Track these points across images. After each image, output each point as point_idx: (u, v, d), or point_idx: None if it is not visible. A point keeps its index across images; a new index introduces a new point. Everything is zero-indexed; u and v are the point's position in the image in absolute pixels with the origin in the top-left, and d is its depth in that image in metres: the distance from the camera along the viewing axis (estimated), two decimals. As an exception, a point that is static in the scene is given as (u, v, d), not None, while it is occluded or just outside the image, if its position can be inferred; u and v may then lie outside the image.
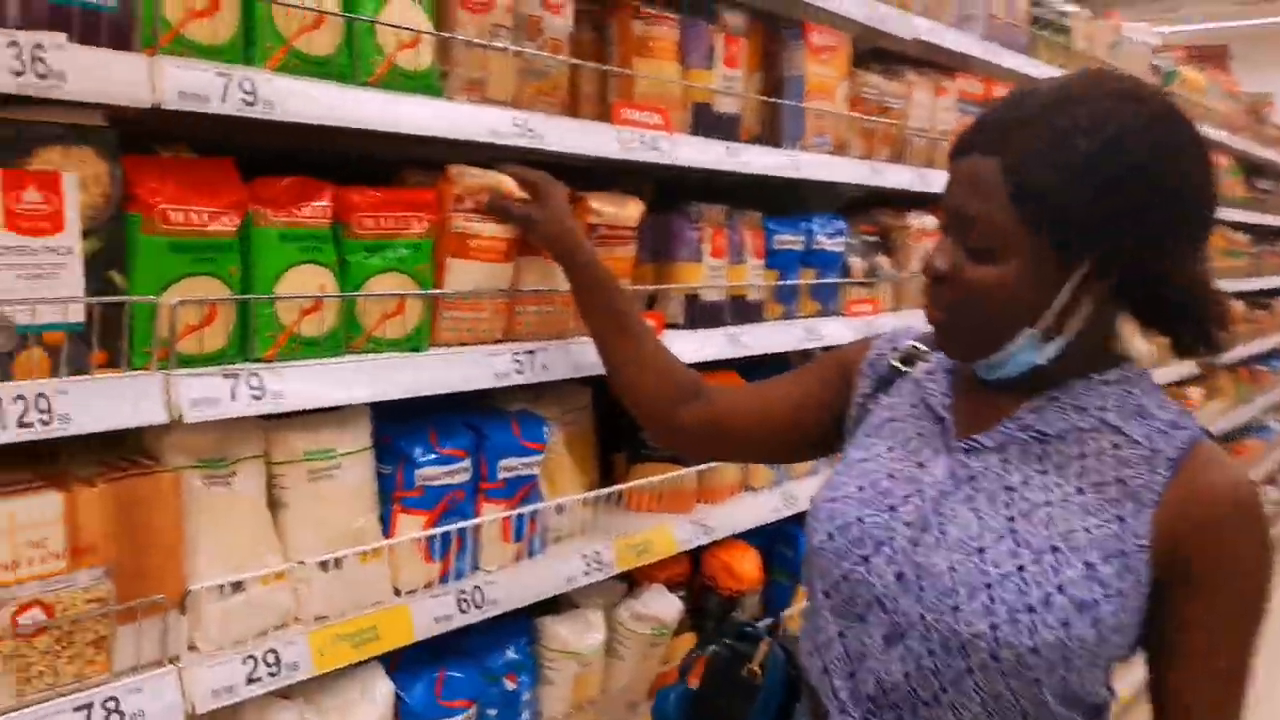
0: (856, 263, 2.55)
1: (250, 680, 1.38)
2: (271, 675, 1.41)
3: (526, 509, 1.74)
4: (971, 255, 1.14)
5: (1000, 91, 3.10)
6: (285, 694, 1.50)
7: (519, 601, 1.73)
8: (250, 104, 1.31)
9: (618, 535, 1.92)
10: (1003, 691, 1.11)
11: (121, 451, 1.37)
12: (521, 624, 1.83)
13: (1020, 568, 1.11)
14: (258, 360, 1.39)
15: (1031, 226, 1.10)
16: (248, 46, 1.35)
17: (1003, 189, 1.10)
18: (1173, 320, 1.22)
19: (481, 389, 1.65)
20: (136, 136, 1.33)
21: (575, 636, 1.85)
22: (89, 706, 1.22)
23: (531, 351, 1.71)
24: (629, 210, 1.88)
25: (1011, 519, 1.15)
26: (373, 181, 1.58)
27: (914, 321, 1.49)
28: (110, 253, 1.26)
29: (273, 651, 1.41)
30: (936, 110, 2.80)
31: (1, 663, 1.16)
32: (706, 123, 2.05)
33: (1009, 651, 1.09)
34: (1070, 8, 3.44)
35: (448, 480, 1.61)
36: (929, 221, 2.77)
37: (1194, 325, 1.21)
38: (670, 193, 2.20)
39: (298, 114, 1.36)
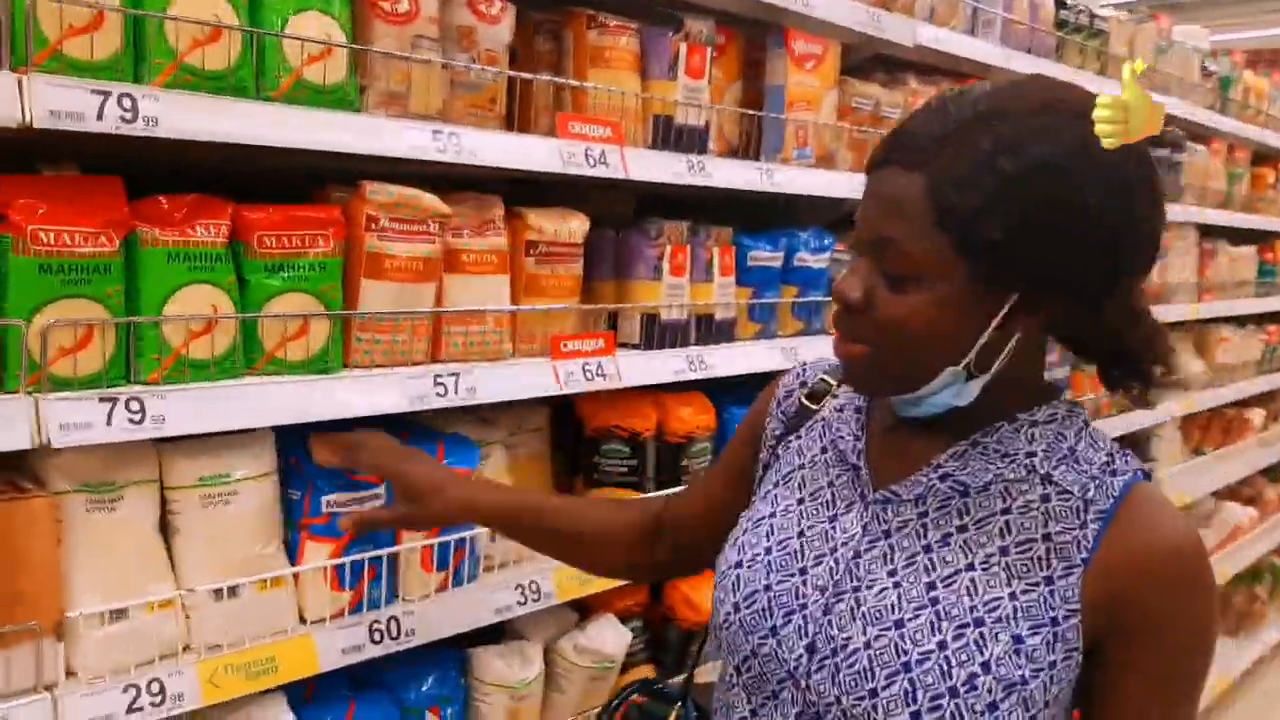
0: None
1: (131, 710, 1.35)
2: (155, 705, 1.37)
3: (450, 537, 1.68)
4: (889, 283, 1.01)
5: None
6: (180, 724, 1.47)
7: (440, 633, 1.67)
8: (129, 121, 1.28)
9: (559, 564, 1.85)
10: None
11: (6, 473, 1.35)
12: (450, 655, 1.77)
13: (941, 644, 1.00)
14: (141, 383, 1.35)
15: (957, 253, 0.97)
16: (137, 63, 1.32)
17: (927, 210, 0.97)
18: (1106, 354, 1.11)
19: (411, 412, 1.60)
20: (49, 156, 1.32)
21: (509, 669, 1.79)
22: (-56, 737, 1.21)
23: (456, 374, 1.65)
24: (571, 225, 1.81)
25: (931, 585, 1.03)
26: (298, 197, 1.55)
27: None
28: (-24, 274, 1.24)
29: (157, 680, 1.37)
30: (944, 119, 2.66)
31: None
32: (667, 136, 1.97)
33: None
34: (1107, 11, 3.25)
35: (357, 507, 1.56)
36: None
37: (1130, 360, 1.10)
38: (652, 207, 2.13)
39: (184, 131, 1.33)
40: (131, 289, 1.35)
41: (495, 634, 1.88)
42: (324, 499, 1.54)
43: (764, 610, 1.10)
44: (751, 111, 2.17)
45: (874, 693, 1.00)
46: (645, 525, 1.42)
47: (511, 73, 1.72)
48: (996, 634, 0.99)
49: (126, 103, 1.27)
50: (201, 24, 1.35)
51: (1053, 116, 0.98)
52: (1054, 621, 1.00)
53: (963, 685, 0.98)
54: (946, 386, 1.04)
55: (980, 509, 1.05)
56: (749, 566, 1.14)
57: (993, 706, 0.97)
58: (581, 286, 1.90)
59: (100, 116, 1.25)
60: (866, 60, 2.59)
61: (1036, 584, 1.01)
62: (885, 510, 1.09)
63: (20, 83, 1.20)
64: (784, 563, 1.12)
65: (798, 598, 1.09)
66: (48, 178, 1.31)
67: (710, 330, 2.10)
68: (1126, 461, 1.07)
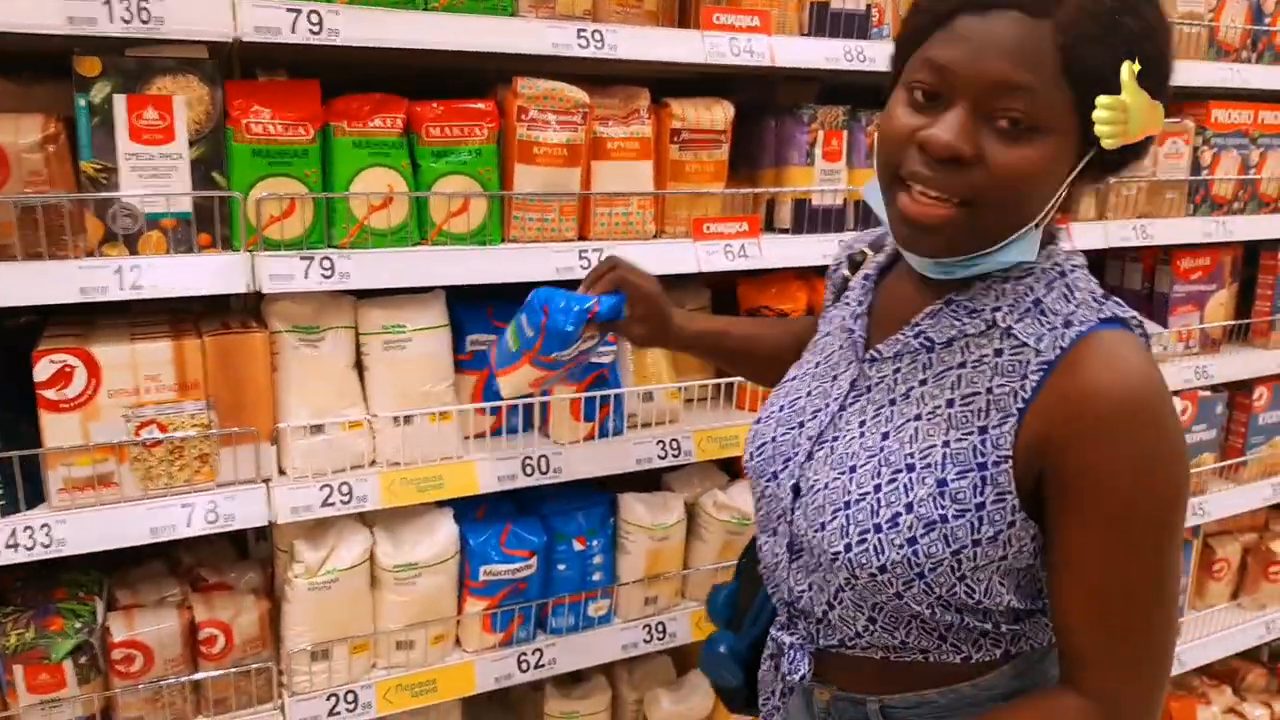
0: (1036, 168, 2.34)
1: (325, 504, 1.73)
2: (344, 503, 1.74)
3: (596, 394, 1.92)
4: (1005, 134, 0.98)
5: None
6: (369, 522, 1.85)
7: (584, 473, 1.93)
8: (316, 33, 1.58)
9: (702, 426, 2.04)
10: (880, 602, 1.13)
11: (243, 316, 1.75)
12: (602, 497, 2.03)
13: (877, 487, 1.10)
14: (334, 247, 1.69)
15: (1076, 109, 0.98)
16: (324, -16, 1.62)
17: (1055, 61, 0.96)
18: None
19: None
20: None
21: (650, 514, 2.02)
22: (192, 505, 1.63)
23: (599, 249, 1.86)
24: (715, 114, 1.94)
25: (885, 435, 1.13)
26: (480, 94, 1.81)
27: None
28: (213, 158, 1.61)
29: (346, 484, 1.74)
30: (1175, -9, 2.45)
31: (130, 465, 1.59)
32: (823, 22, 2.02)
33: (861, 570, 1.10)
34: None
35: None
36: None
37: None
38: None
39: (362, 39, 1.62)
40: (327, 171, 1.68)
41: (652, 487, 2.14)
42: (468, 337, 1.87)
43: (769, 458, 1.25)
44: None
45: (822, 526, 1.14)
46: (798, 344, 1.48)
47: (656, -30, 1.86)
48: (923, 478, 1.07)
49: (314, 17, 1.58)
50: (374, -53, 1.62)
51: None
52: (982, 466, 1.05)
53: (886, 522, 1.08)
54: (1022, 244, 1.05)
55: (940, 363, 1.11)
56: (764, 421, 1.30)
57: (911, 540, 1.07)
58: (734, 173, 2.03)
59: (294, 30, 1.57)
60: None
61: (971, 433, 1.06)
62: (870, 368, 1.18)
63: (231, 5, 1.53)
64: (789, 417, 1.25)
65: (793, 447, 1.22)
66: (262, 82, 1.66)
67: (872, 215, 2.15)
68: (1095, 311, 1.06)
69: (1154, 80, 0.99)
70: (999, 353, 1.08)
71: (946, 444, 1.08)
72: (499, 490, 1.86)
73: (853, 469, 1.14)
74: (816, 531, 1.15)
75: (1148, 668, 1.03)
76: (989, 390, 1.07)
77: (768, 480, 1.25)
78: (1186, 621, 2.92)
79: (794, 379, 1.32)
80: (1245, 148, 2.65)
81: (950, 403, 1.10)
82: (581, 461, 1.93)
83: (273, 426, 1.71)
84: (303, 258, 1.64)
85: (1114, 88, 0.97)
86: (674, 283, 2.16)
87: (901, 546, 1.07)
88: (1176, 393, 2.63)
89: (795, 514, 1.19)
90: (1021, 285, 1.09)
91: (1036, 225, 1.05)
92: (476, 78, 1.89)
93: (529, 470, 1.89)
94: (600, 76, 1.94)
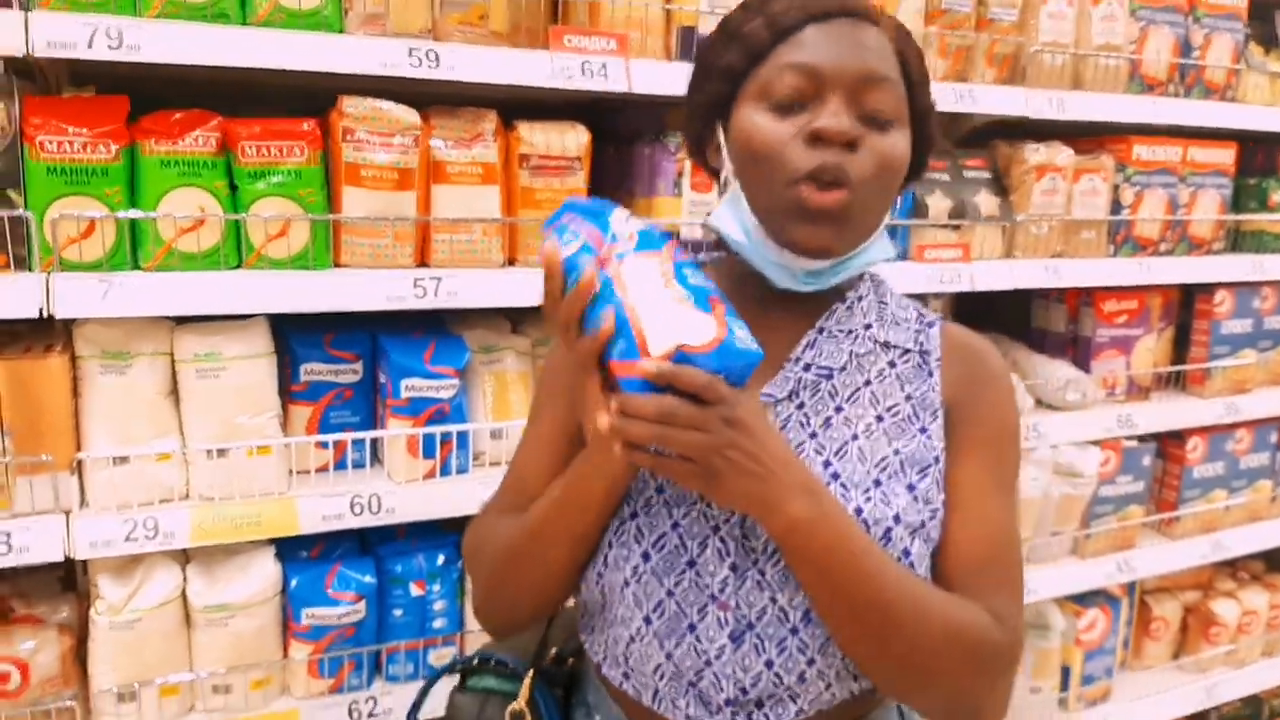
0: (936, 201, 2.24)
1: (128, 539, 1.64)
2: (149, 538, 1.66)
3: (437, 429, 1.82)
4: (874, 123, 1.04)
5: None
6: (188, 558, 1.76)
7: (421, 514, 1.83)
8: (115, 48, 1.52)
9: (557, 467, 1.94)
10: None
11: (49, 339, 1.68)
12: (448, 537, 1.93)
13: (858, 510, 1.05)
14: (138, 269, 1.62)
15: (909, 105, 1.09)
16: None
17: (894, 60, 1.07)
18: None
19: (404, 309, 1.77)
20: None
21: (498, 557, 1.92)
22: (-23, 534, 1.56)
23: (438, 278, 1.78)
24: (567, 140, 1.86)
25: (827, 463, 1.08)
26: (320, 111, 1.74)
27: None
28: (8, 175, 1.55)
29: (152, 519, 1.66)
30: (1091, 21, 2.34)
31: (-94, 490, 1.52)
32: (692, 47, 1.93)
33: None
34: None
35: (333, 379, 1.77)
36: (1060, 156, 2.34)
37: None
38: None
39: (166, 56, 1.55)
40: (135, 190, 1.61)
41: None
42: (303, 367, 1.79)
43: (675, 548, 1.08)
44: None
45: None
46: None
47: (502, -11, 1.78)
48: (894, 489, 1.08)
49: (113, 32, 1.51)
50: (185, -40, 1.55)
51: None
52: (935, 461, 1.10)
53: (881, 540, 1.05)
54: (879, 240, 1.12)
55: (846, 386, 1.12)
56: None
57: (906, 552, 1.05)
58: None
59: (91, 45, 1.51)
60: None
61: (914, 435, 1.11)
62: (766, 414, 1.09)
63: (22, 19, 1.47)
64: (683, 495, 1.08)
65: (708, 522, 1.07)
66: (65, 98, 1.60)
67: (747, 249, 2.05)
68: (924, 308, 1.21)
69: (930, 96, 1.13)
70: (892, 364, 1.14)
71: (897, 452, 1.09)
72: (324, 530, 1.77)
73: None
74: (797, 589, 1.04)
75: (1020, 586, 1.12)
76: (908, 397, 1.13)
77: (678, 575, 1.07)
78: (1119, 681, 2.76)
79: (625, 519, 1.09)
80: (1172, 186, 2.52)
81: (879, 417, 1.11)
82: (418, 501, 1.83)
83: (73, 456, 1.63)
84: (100, 280, 1.57)
85: (926, 94, 1.11)
86: (526, 315, 2.09)
87: (898, 560, 1.05)
88: (1096, 443, 2.49)
89: (742, 591, 1.05)
90: (867, 301, 1.17)
91: (885, 224, 1.12)
92: (324, 97, 1.82)
93: (358, 509, 1.79)
94: (480, 99, 1.87)
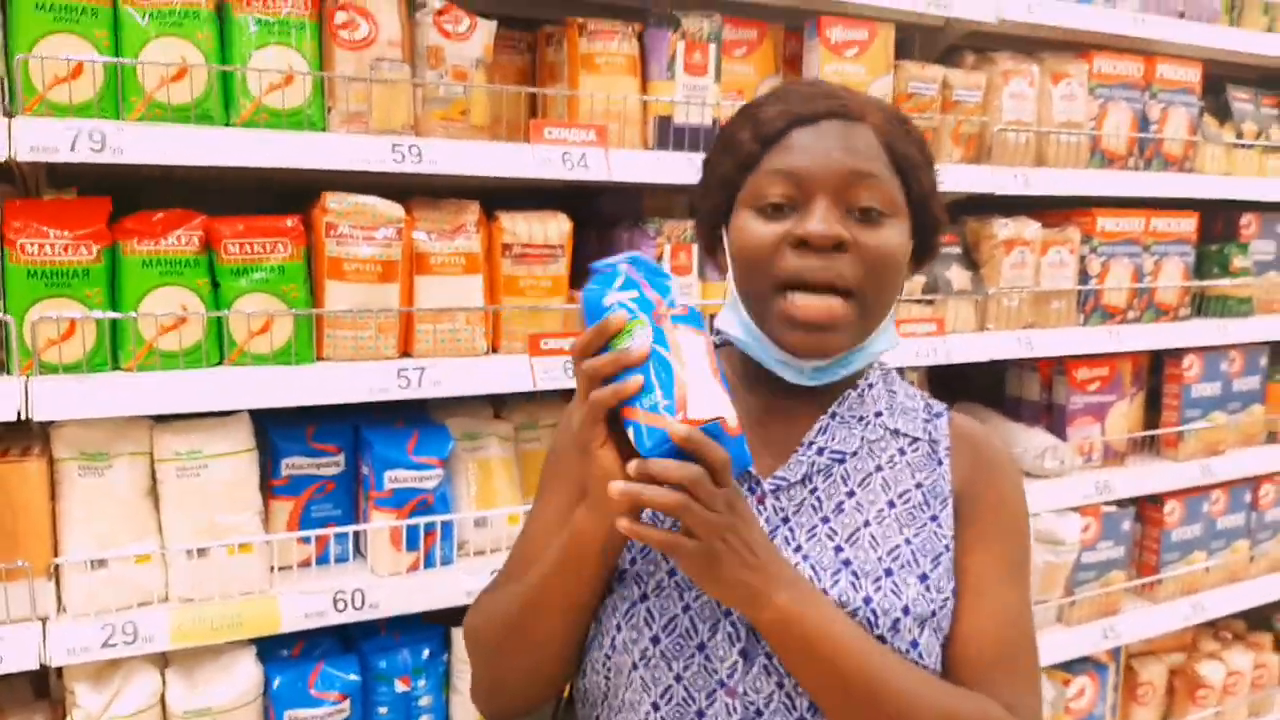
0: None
1: (106, 645, 1.60)
2: (128, 643, 1.62)
3: (420, 520, 1.81)
4: (866, 220, 1.06)
5: (1175, 69, 2.61)
6: (167, 661, 1.72)
7: (405, 608, 1.81)
8: (98, 151, 1.53)
9: (543, 554, 1.92)
10: None
11: (26, 441, 1.66)
12: (432, 631, 1.90)
13: (867, 599, 1.06)
14: (119, 369, 1.60)
15: (904, 194, 1.10)
16: (115, 102, 1.57)
17: (883, 154, 1.09)
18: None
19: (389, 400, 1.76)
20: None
21: (485, 648, 1.89)
22: (-53, 647, 1.51)
23: (422, 368, 1.77)
24: (549, 228, 1.88)
25: (839, 548, 1.09)
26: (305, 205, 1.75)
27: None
28: (-13, 278, 1.54)
29: (131, 623, 1.62)
30: (1052, 100, 2.41)
31: (-124, 603, 1.47)
32: (665, 137, 1.97)
33: None
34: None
35: (314, 472, 1.75)
36: (1028, 230, 2.40)
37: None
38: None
39: (150, 157, 1.56)
40: (116, 291, 1.61)
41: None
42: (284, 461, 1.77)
43: (687, 631, 1.08)
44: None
45: None
46: None
47: (481, 85, 1.81)
48: (906, 579, 1.08)
49: (96, 136, 1.52)
50: (170, 65, 1.57)
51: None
52: (946, 549, 1.11)
53: (889, 630, 1.05)
54: (884, 334, 1.13)
55: (858, 472, 1.14)
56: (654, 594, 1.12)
57: (914, 644, 1.06)
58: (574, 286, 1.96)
59: (74, 148, 1.51)
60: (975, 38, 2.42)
61: (925, 524, 1.12)
62: (779, 498, 1.11)
63: (6, 125, 1.47)
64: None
65: (717, 609, 1.07)
66: (47, 201, 1.60)
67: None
68: (932, 399, 1.23)
69: (935, 176, 1.15)
70: (902, 451, 1.16)
71: (909, 541, 1.10)
72: (307, 628, 1.73)
73: (823, 592, 1.05)
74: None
75: (1037, 677, 1.14)
76: (918, 485, 1.14)
77: (687, 659, 1.07)
78: (1110, 751, 2.74)
79: (636, 601, 1.10)
80: (1137, 255, 2.58)
81: (891, 503, 1.12)
82: (402, 595, 1.80)
83: (50, 560, 1.59)
84: (79, 381, 1.55)
85: (927, 178, 1.12)
86: (507, 401, 2.09)
87: (906, 650, 1.05)
88: (1076, 509, 2.51)
89: (749, 677, 1.05)
90: (877, 389, 1.18)
91: (892, 314, 1.14)
92: (307, 190, 1.83)
93: (340, 605, 1.76)
94: (462, 188, 1.89)
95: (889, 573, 1.08)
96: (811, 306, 1.04)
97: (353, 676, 1.79)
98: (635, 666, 1.08)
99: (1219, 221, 2.86)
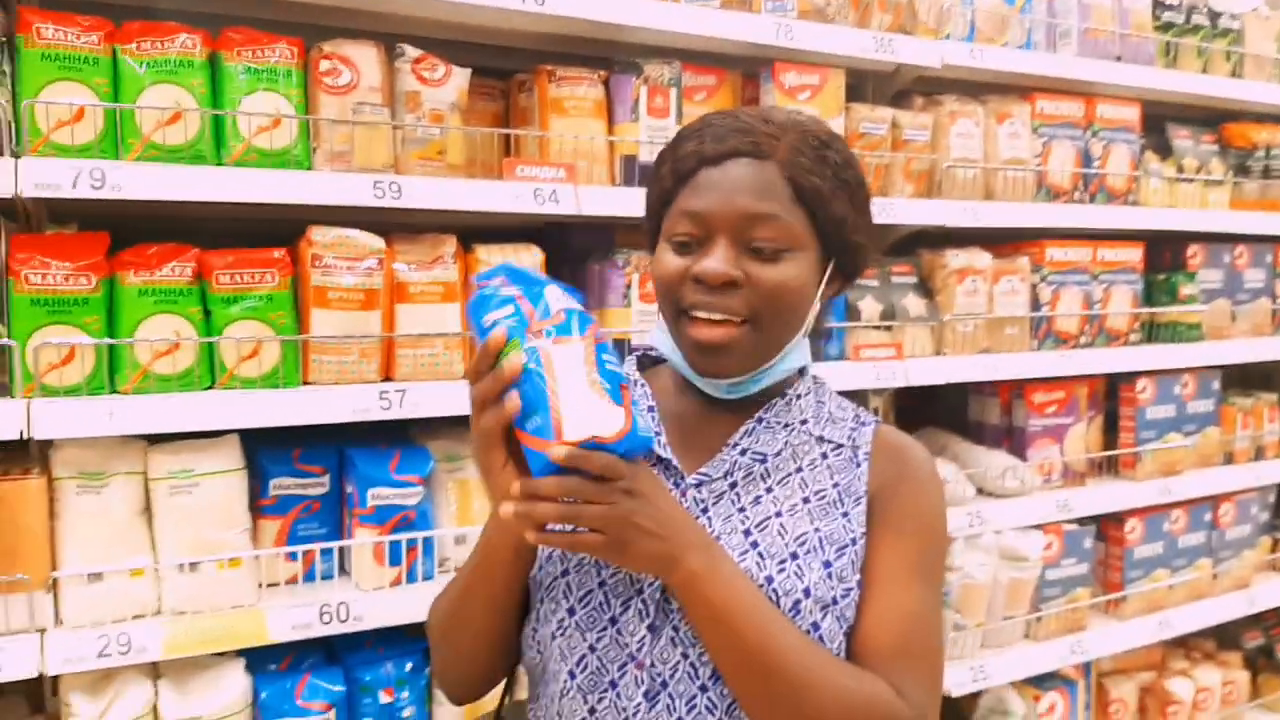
0: (868, 305, 2.41)
1: (101, 655, 1.68)
2: (122, 654, 1.69)
3: (403, 536, 1.89)
4: (762, 257, 1.13)
5: (1115, 108, 2.77)
6: (156, 673, 1.79)
7: (388, 621, 1.89)
8: (98, 188, 1.65)
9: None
10: None
11: (25, 462, 1.75)
12: (416, 644, 1.98)
13: (769, 579, 1.13)
14: (116, 393, 1.71)
15: (811, 225, 1.16)
16: (114, 143, 1.69)
17: (786, 190, 1.14)
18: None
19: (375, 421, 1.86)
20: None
21: (465, 661, 1.96)
22: (-50, 656, 1.59)
23: (403, 391, 1.88)
24: (523, 259, 2.00)
25: (748, 532, 1.16)
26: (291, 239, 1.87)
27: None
28: (-5, 307, 1.65)
29: (125, 635, 1.70)
30: (998, 139, 2.57)
31: (-117, 614, 1.55)
32: (631, 174, 2.11)
33: None
34: (1233, 7, 2.95)
35: (301, 493, 1.84)
36: (979, 260, 2.53)
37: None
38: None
39: (147, 194, 1.68)
40: (113, 319, 1.72)
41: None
42: (272, 482, 1.86)
43: (600, 605, 1.16)
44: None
45: None
46: None
47: (457, 127, 1.95)
48: (810, 563, 1.14)
49: (96, 174, 1.65)
50: (165, 109, 1.70)
51: (820, 123, 1.22)
52: (853, 542, 1.17)
53: (790, 610, 1.11)
54: (796, 352, 1.21)
55: (778, 471, 1.21)
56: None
57: (815, 626, 1.12)
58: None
59: (75, 186, 1.63)
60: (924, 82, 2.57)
61: (836, 518, 1.19)
62: (700, 490, 1.20)
63: (13, 165, 1.60)
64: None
65: (631, 586, 1.16)
66: (48, 235, 1.71)
67: (694, 355, 2.18)
68: (864, 412, 1.29)
69: (863, 196, 1.21)
70: (825, 456, 1.23)
71: (817, 529, 1.17)
72: (294, 640, 1.81)
73: None
74: (704, 650, 1.11)
75: (936, 674, 1.18)
76: (835, 485, 1.21)
77: (600, 630, 1.15)
78: (1084, 769, 2.80)
79: (558, 576, 1.19)
80: (1087, 283, 2.72)
81: (806, 500, 1.19)
82: (386, 608, 1.89)
83: (48, 574, 1.68)
84: (79, 404, 1.65)
85: (837, 207, 1.17)
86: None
87: (807, 632, 1.11)
88: (1038, 526, 2.61)
89: (657, 648, 1.13)
90: (806, 399, 1.26)
91: (804, 334, 1.22)
92: (294, 223, 1.95)
93: (326, 618, 1.84)
94: (440, 223, 2.02)
95: (794, 556, 1.14)
96: (708, 333, 1.14)
97: (338, 688, 1.86)
98: (554, 636, 1.17)
99: (1166, 252, 3.00)
